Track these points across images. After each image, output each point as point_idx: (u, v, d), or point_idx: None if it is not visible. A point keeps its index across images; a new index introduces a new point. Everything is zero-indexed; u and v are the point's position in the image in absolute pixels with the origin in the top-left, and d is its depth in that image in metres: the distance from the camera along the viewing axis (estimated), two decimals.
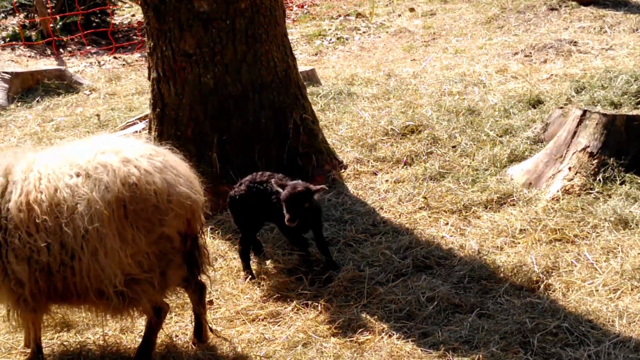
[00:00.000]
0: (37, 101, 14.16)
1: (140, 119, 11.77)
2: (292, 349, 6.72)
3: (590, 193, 8.52)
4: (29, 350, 6.70)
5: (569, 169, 8.74)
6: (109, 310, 6.29)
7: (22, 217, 6.05)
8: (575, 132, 8.91)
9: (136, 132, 11.36)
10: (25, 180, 6.15)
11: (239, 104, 9.10)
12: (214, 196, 8.94)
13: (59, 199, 6.05)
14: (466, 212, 8.61)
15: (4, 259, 6.12)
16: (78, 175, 6.11)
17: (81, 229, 6.02)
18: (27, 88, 14.78)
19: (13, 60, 17.25)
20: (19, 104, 14.10)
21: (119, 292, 6.18)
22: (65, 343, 6.91)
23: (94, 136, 7.65)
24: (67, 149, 6.43)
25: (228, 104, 9.08)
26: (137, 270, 6.24)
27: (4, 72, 14.69)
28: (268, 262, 7.98)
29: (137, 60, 17.64)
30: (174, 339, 6.88)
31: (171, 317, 7.15)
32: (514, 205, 8.66)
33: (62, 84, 14.90)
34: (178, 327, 7.08)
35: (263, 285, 7.64)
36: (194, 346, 6.78)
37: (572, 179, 8.67)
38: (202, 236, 6.73)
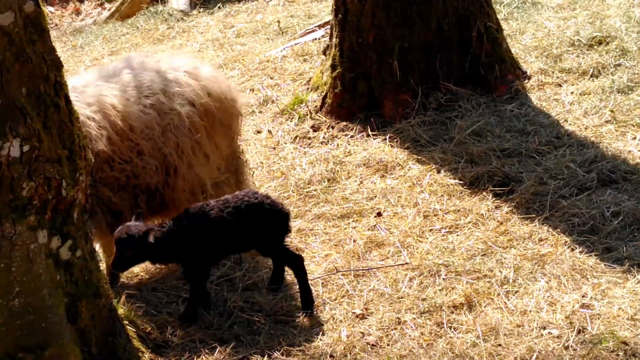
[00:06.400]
0: (219, 7, 14.33)
1: (319, 27, 11.78)
2: (471, 258, 6.69)
3: None
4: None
5: None
6: None
7: (113, 149, 6.18)
8: None
9: (315, 39, 11.39)
10: (97, 113, 6.20)
11: (422, 10, 8.94)
12: (394, 104, 8.93)
13: (146, 121, 6.18)
14: None
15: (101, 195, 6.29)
16: (154, 94, 6.26)
17: (177, 144, 6.32)
18: None
19: None
20: (201, 10, 14.33)
21: (206, 198, 6.53)
22: None
23: (122, 57, 7.85)
24: (105, 74, 6.55)
25: (411, 11, 8.94)
26: (218, 173, 6.63)
27: None
28: (443, 173, 7.90)
29: None
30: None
31: None
32: None
33: None
34: None
35: (443, 195, 7.59)
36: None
37: None
38: None
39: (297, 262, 6.29)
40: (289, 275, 6.54)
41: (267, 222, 6.20)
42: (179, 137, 6.34)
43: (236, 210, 6.12)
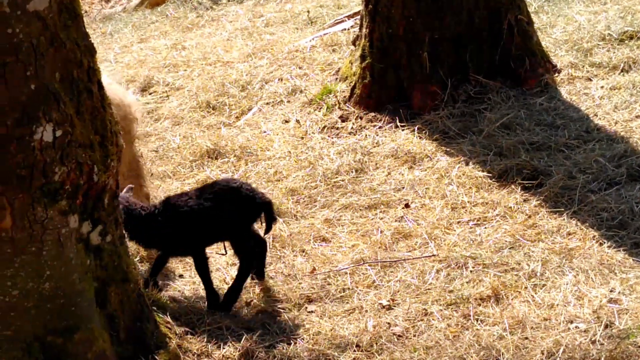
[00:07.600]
0: None
1: (349, 17, 11.76)
2: (498, 251, 6.68)
3: None
4: None
5: None
6: None
7: None
8: None
9: (344, 29, 11.37)
10: None
11: (453, 2, 8.91)
12: (422, 96, 8.90)
13: None
14: None
15: None
16: None
17: None
18: None
19: None
20: None
21: None
22: None
23: None
24: None
25: (442, 2, 8.91)
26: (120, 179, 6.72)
27: None
28: (472, 165, 7.88)
29: None
30: None
31: None
32: None
33: None
34: None
35: (471, 188, 7.58)
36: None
37: None
38: None
39: (247, 258, 6.29)
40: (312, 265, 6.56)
41: (247, 209, 6.25)
42: None
43: (216, 198, 6.16)
